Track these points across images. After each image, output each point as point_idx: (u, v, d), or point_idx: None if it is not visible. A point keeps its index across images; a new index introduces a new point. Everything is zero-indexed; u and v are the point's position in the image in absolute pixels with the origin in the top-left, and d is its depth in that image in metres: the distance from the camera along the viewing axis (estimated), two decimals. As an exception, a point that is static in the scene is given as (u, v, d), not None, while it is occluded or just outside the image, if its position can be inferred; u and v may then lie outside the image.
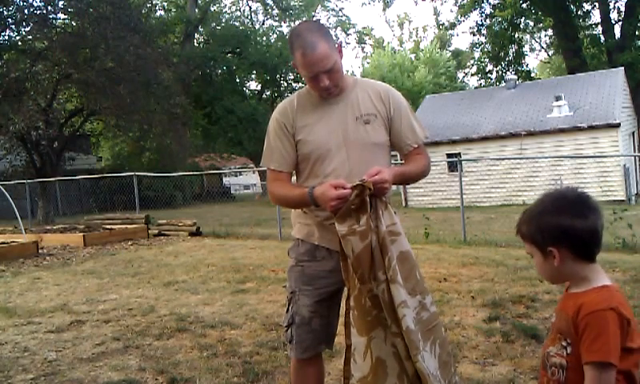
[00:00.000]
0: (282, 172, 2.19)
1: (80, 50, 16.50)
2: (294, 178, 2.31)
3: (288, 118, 2.17)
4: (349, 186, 1.93)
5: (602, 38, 26.81)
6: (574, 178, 17.24)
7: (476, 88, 30.75)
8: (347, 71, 2.26)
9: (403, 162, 2.26)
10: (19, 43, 17.44)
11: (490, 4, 28.17)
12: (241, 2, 35.37)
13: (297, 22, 34.02)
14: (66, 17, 17.85)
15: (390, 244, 1.97)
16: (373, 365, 1.96)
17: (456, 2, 29.11)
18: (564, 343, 1.43)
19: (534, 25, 30.15)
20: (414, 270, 2.05)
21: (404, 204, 18.69)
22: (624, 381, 1.37)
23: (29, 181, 14.60)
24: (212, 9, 32.30)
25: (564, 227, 1.39)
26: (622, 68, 20.49)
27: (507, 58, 28.93)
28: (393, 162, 2.26)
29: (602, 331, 1.33)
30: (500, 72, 28.93)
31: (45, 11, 16.75)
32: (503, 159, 17.67)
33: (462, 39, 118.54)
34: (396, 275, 1.95)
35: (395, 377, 1.97)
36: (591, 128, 17.20)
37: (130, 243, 10.08)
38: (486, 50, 30.06)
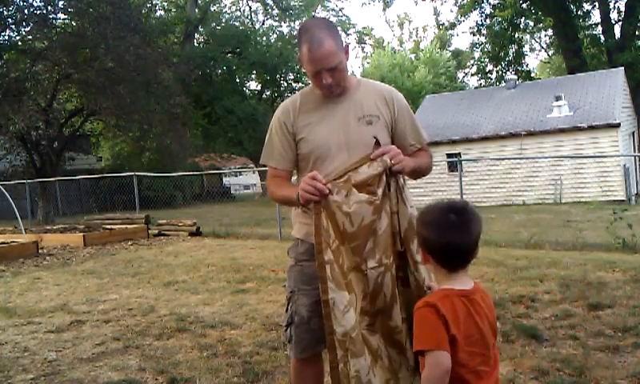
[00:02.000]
0: (280, 169, 2.22)
1: (80, 50, 16.50)
2: (294, 179, 2.32)
3: (289, 118, 2.18)
4: (324, 183, 1.93)
5: (602, 38, 26.81)
6: (573, 177, 17.25)
7: (476, 88, 30.76)
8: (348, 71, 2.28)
9: None
10: (19, 43, 17.42)
11: (490, 4, 28.21)
12: (241, 1, 35.40)
13: (297, 22, 33.88)
14: (66, 17, 17.86)
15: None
16: (358, 322, 1.95)
17: (456, 2, 29.15)
18: None
19: (534, 25, 30.17)
20: None
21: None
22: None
23: (29, 181, 14.61)
24: (212, 9, 32.28)
25: (423, 237, 1.61)
26: (622, 68, 20.49)
27: (507, 58, 28.94)
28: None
29: (416, 325, 1.55)
30: (500, 72, 28.96)
31: (45, 11, 16.73)
32: (503, 159, 17.67)
33: (462, 39, 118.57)
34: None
35: (374, 342, 2.00)
36: (591, 128, 17.20)
37: (130, 243, 10.08)
38: (486, 50, 30.08)
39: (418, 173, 2.22)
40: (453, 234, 1.54)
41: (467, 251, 1.56)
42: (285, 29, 33.96)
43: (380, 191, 1.96)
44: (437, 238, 1.55)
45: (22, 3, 16.91)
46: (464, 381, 1.51)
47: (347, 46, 2.11)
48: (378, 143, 2.04)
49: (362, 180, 1.96)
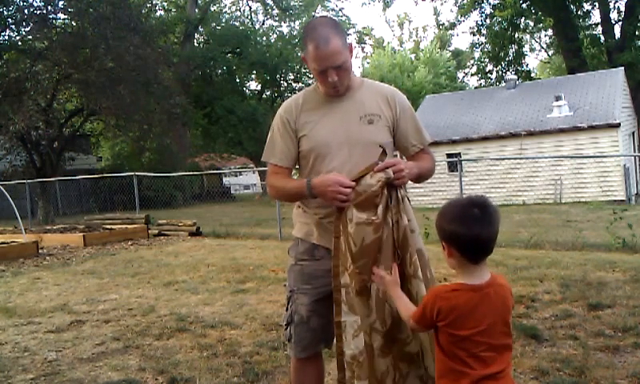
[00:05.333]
0: (281, 167, 2.20)
1: (80, 50, 16.47)
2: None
3: (292, 115, 2.18)
4: (352, 183, 1.94)
5: (602, 38, 26.80)
6: (573, 178, 17.24)
7: (476, 88, 30.74)
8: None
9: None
10: (19, 43, 17.40)
11: (489, 4, 28.18)
12: (241, 1, 35.41)
13: (297, 22, 33.75)
14: (65, 17, 17.82)
15: (410, 239, 1.99)
16: (366, 345, 1.96)
17: (456, 2, 29.11)
18: None
19: (534, 25, 30.13)
20: (426, 269, 2.07)
21: (404, 204, 18.69)
22: (442, 355, 1.69)
23: (29, 181, 14.61)
24: (212, 9, 32.29)
25: (449, 232, 1.67)
26: (622, 68, 20.47)
27: (507, 58, 28.91)
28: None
29: (422, 302, 1.75)
30: (500, 72, 28.92)
31: (45, 11, 16.71)
32: (503, 159, 17.66)
33: (462, 39, 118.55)
34: (417, 270, 1.98)
35: (384, 364, 1.98)
36: (591, 128, 17.19)
37: (130, 243, 10.07)
38: (485, 50, 30.05)
39: (422, 178, 2.23)
40: (479, 226, 1.63)
41: (490, 242, 1.67)
42: (285, 29, 34.01)
43: (380, 208, 1.94)
44: (465, 232, 1.63)
45: (21, 3, 16.91)
46: (465, 363, 1.65)
47: (351, 45, 2.12)
48: (384, 152, 2.02)
49: (363, 198, 1.95)
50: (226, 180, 35.80)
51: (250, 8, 35.32)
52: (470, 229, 1.63)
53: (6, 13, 16.68)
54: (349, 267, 1.97)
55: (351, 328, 1.95)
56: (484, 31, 29.07)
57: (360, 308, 1.98)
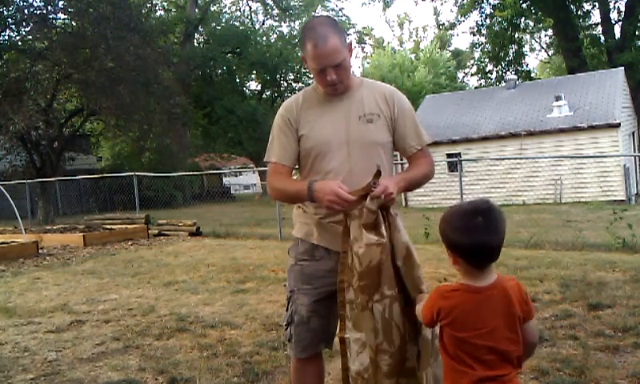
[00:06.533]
0: (282, 165, 2.18)
1: (80, 50, 16.47)
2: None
3: (292, 113, 2.18)
4: (352, 197, 1.93)
5: (602, 38, 26.80)
6: (573, 177, 17.24)
7: (476, 88, 30.74)
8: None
9: (407, 164, 2.27)
10: (19, 43, 17.40)
11: (490, 4, 28.19)
12: (241, 1, 35.42)
13: (297, 22, 33.76)
14: (65, 17, 17.82)
15: (414, 257, 1.99)
16: (371, 361, 1.96)
17: (456, 2, 29.14)
18: None
19: (534, 25, 30.15)
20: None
21: (404, 204, 18.69)
22: (445, 354, 1.67)
23: (29, 181, 14.61)
24: (212, 9, 32.29)
25: (454, 241, 1.65)
26: (622, 68, 20.47)
27: (507, 58, 28.92)
28: (398, 161, 2.26)
29: (426, 301, 1.74)
30: (500, 72, 28.94)
31: (45, 11, 16.72)
32: (503, 159, 17.66)
33: (462, 39, 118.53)
34: (421, 285, 1.99)
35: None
36: (591, 128, 17.19)
37: (130, 243, 10.07)
38: (485, 50, 30.06)
39: (416, 186, 2.22)
40: (483, 235, 1.60)
41: (496, 249, 1.64)
42: (285, 29, 34.02)
43: (383, 228, 1.95)
44: (468, 242, 1.61)
45: (22, 3, 16.91)
46: (467, 364, 1.62)
47: (350, 44, 2.12)
48: (378, 173, 2.00)
49: (366, 218, 1.94)
50: (226, 180, 35.81)
51: (250, 8, 35.37)
52: (475, 239, 1.60)
53: (6, 13, 16.68)
54: (354, 283, 1.97)
55: (355, 344, 1.95)
56: (484, 31, 29.09)
57: (365, 324, 1.97)
